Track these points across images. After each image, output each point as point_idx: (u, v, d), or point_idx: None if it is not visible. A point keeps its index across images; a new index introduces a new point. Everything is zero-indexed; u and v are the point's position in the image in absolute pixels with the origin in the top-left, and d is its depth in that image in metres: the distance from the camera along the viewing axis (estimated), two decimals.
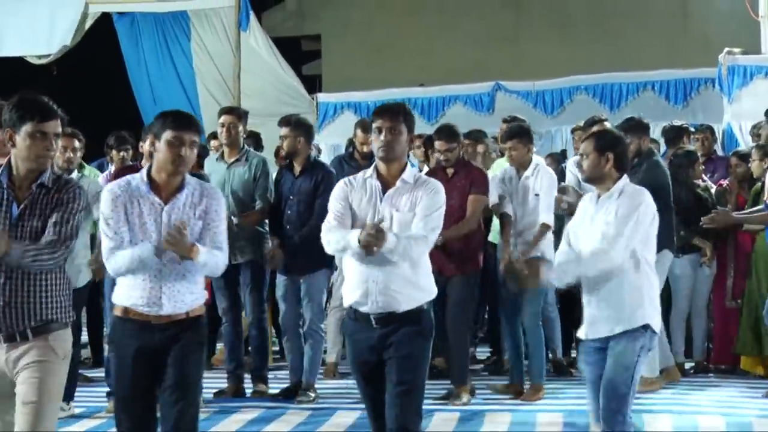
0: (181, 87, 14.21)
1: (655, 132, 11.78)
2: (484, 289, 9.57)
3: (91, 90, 17.40)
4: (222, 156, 8.51)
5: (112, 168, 9.45)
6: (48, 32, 13.84)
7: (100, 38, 13.97)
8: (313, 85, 17.19)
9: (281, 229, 8.21)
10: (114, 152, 9.58)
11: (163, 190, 5.01)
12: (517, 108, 12.23)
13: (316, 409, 7.91)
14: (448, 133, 8.25)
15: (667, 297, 9.14)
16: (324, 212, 7.54)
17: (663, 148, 10.25)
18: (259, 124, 11.34)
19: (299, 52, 19.64)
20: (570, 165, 9.25)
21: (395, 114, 5.20)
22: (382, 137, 5.17)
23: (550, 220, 8.23)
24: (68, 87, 16.03)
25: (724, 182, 9.36)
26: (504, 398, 8.20)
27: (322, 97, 14.35)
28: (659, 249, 6.88)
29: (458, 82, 13.83)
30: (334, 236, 5.19)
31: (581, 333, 5.56)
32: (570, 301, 9.17)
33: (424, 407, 5.09)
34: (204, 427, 6.86)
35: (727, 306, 9.09)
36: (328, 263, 8.21)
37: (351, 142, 9.93)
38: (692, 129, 9.81)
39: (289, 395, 8.22)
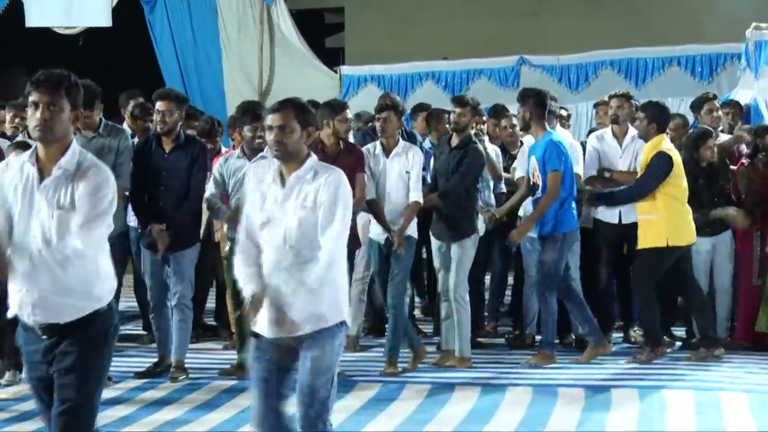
0: (208, 60, 14.20)
1: (681, 107, 11.76)
2: (507, 261, 9.60)
3: (117, 61, 17.43)
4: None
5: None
6: (77, 4, 13.84)
7: (127, 8, 13.98)
8: (336, 57, 17.14)
9: (154, 205, 7.97)
10: (139, 122, 9.59)
11: None
12: (541, 83, 12.15)
13: None
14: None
15: None
16: (201, 190, 7.85)
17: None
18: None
19: (322, 25, 19.58)
20: (591, 139, 9.22)
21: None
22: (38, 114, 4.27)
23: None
24: (95, 58, 16.07)
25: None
26: (525, 371, 8.21)
27: (345, 69, 14.31)
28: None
29: (482, 56, 13.77)
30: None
31: None
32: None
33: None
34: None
35: (753, 283, 9.04)
36: (198, 240, 8.21)
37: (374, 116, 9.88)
38: (718, 103, 9.72)
39: (156, 371, 8.12)
